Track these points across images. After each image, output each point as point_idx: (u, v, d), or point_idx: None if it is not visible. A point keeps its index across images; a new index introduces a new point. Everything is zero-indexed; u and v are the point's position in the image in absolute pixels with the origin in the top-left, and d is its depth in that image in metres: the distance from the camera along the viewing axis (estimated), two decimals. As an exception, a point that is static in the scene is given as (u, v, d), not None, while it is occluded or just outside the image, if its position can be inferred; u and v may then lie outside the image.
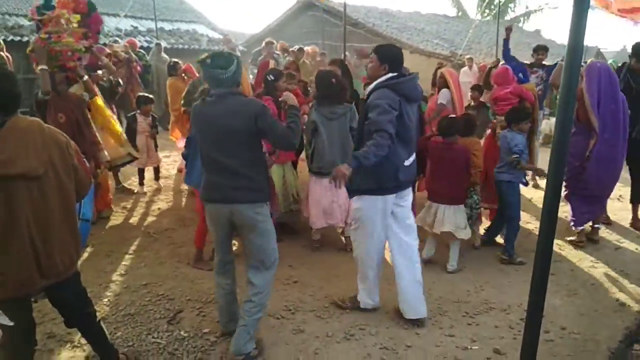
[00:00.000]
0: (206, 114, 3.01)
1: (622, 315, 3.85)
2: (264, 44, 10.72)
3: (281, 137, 3.06)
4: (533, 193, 6.95)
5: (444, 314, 3.79)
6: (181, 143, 6.63)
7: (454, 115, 5.14)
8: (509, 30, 7.33)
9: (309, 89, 6.48)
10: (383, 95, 3.31)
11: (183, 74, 7.58)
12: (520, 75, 6.43)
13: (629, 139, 5.16)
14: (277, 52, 11.04)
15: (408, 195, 3.66)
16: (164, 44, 12.76)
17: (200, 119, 3.05)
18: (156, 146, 6.79)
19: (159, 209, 6.18)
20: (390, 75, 3.44)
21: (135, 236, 5.24)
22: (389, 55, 3.50)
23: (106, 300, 3.91)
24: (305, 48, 10.98)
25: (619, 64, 10.89)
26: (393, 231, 3.62)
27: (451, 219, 4.50)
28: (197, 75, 7.06)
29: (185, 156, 4.45)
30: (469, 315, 3.79)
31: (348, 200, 4.46)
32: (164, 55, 11.24)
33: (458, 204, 4.56)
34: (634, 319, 3.82)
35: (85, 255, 4.68)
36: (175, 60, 7.84)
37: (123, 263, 4.59)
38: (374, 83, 3.48)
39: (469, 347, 3.37)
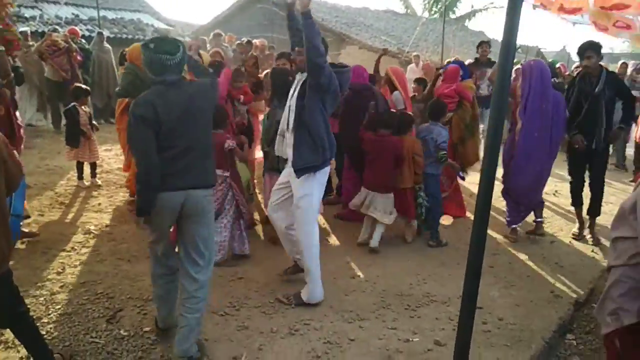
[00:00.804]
0: (166, 100, 2.81)
1: (556, 306, 4.01)
2: (211, 35, 10.58)
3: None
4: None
5: (387, 307, 3.84)
6: None
7: (393, 111, 5.45)
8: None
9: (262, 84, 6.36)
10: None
11: None
12: (465, 69, 6.56)
13: (590, 150, 5.24)
14: (225, 45, 10.91)
15: None
16: (106, 33, 12.35)
17: (158, 107, 2.79)
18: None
19: (99, 204, 5.98)
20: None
21: (74, 233, 5.05)
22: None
23: (42, 299, 3.75)
24: (254, 41, 10.88)
25: (558, 64, 11.38)
26: None
27: (378, 205, 4.85)
28: None
29: None
30: (411, 308, 3.86)
31: None
32: (106, 45, 10.88)
33: (386, 193, 4.87)
34: (567, 309, 3.99)
35: (20, 252, 4.47)
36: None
37: (60, 261, 4.41)
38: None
39: (411, 339, 3.43)
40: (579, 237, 5.53)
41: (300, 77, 3.76)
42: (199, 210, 2.97)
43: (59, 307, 3.65)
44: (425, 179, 5.10)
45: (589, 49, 5.04)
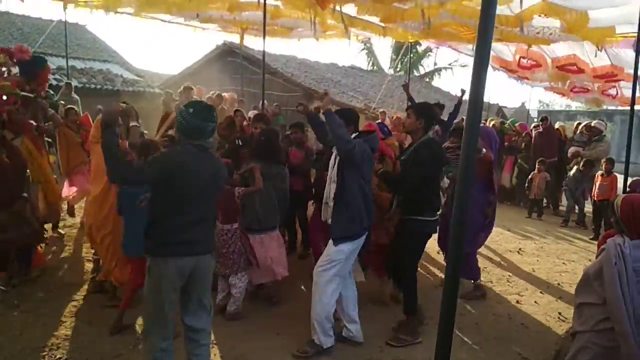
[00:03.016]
0: (190, 165, 2.89)
1: (523, 369, 4.02)
2: (182, 88, 10.60)
3: None
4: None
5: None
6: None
7: None
8: (406, 87, 8.40)
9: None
10: (360, 142, 3.89)
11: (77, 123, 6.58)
12: (385, 129, 6.40)
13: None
14: (195, 97, 10.96)
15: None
16: (74, 83, 12.30)
17: (183, 170, 2.88)
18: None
19: (60, 259, 5.78)
20: (355, 134, 4.06)
21: (33, 292, 4.84)
22: (350, 117, 4.17)
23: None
24: (224, 94, 10.98)
25: (517, 123, 11.80)
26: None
27: None
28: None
29: (119, 211, 4.19)
30: (381, 372, 3.81)
31: (282, 254, 4.87)
32: (74, 95, 10.81)
33: None
34: (534, 372, 4.00)
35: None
36: (71, 106, 6.99)
37: (16, 322, 4.21)
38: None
39: (381, 407, 3.37)
40: None
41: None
42: (205, 271, 3.12)
43: None
44: None
45: (409, 108, 4.68)
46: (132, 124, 4.57)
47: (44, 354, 3.75)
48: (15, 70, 6.11)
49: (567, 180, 9.59)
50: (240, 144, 4.84)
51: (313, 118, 4.19)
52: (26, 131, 5.33)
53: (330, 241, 3.93)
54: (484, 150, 5.09)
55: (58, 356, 3.72)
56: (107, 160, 2.91)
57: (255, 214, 4.67)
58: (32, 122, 5.56)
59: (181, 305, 3.17)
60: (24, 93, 5.14)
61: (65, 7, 8.21)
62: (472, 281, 5.50)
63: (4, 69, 5.28)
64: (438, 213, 4.55)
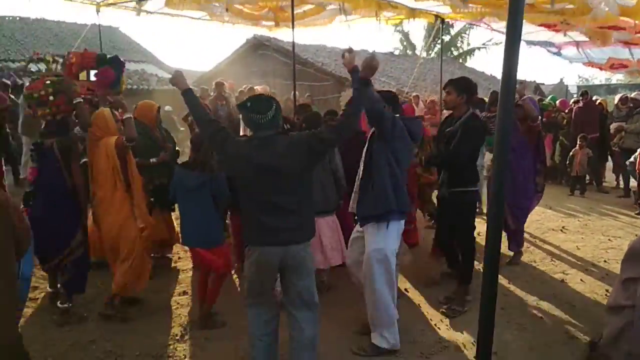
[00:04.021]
0: (253, 157, 2.96)
1: (571, 348, 3.95)
2: (213, 84, 10.75)
3: (338, 133, 3.14)
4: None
5: (399, 356, 3.78)
6: None
7: None
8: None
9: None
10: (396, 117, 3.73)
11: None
12: None
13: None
14: (228, 92, 11.08)
15: None
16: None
17: (245, 162, 2.99)
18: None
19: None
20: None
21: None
22: (389, 99, 3.84)
23: (51, 359, 3.73)
24: (256, 87, 11.06)
25: (557, 100, 11.48)
26: None
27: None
28: None
29: (172, 199, 4.38)
30: (424, 355, 3.80)
31: (336, 239, 4.84)
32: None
33: None
34: (582, 351, 3.91)
35: (28, 310, 4.45)
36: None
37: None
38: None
39: (426, 389, 3.38)
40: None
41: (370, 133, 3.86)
42: (297, 263, 3.07)
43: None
44: None
45: (448, 85, 4.51)
46: (126, 115, 4.29)
47: (95, 347, 3.89)
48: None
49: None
50: (289, 127, 4.83)
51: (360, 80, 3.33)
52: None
53: (357, 226, 3.86)
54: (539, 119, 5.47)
55: (109, 348, 3.86)
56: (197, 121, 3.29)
57: None
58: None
59: (284, 298, 3.22)
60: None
61: (97, 10, 8.36)
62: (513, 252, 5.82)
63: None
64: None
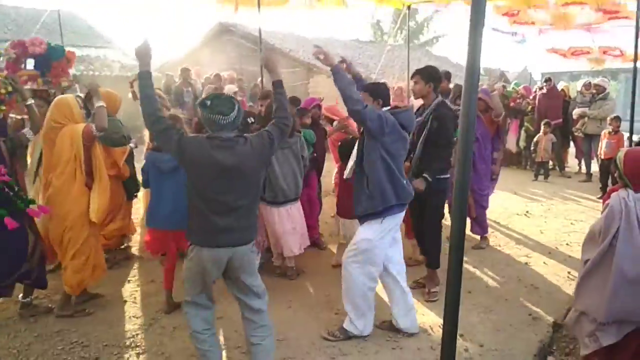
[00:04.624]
0: (214, 157, 2.86)
1: (535, 329, 4.05)
2: (179, 71, 10.58)
3: (285, 127, 3.19)
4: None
5: (368, 340, 3.82)
6: None
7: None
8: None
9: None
10: (385, 112, 3.61)
11: None
12: None
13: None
14: (194, 79, 10.92)
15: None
16: (73, 71, 12.24)
17: (206, 162, 2.88)
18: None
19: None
20: (385, 109, 3.70)
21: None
22: (379, 91, 3.77)
23: (14, 350, 3.64)
24: (222, 74, 10.92)
25: (520, 86, 11.66)
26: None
27: (348, 231, 4.88)
28: None
29: (145, 184, 4.34)
30: (392, 339, 3.85)
31: (304, 225, 4.98)
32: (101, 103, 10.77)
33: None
34: (546, 331, 4.03)
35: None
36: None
37: (33, 309, 4.27)
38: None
39: (394, 372, 3.43)
40: None
41: None
42: (243, 263, 3.04)
43: (32, 358, 3.56)
44: None
45: (416, 75, 4.46)
46: (98, 104, 4.11)
47: (60, 338, 3.82)
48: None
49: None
50: (252, 120, 4.79)
51: (337, 72, 3.55)
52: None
53: (357, 223, 3.84)
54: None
55: (74, 339, 3.79)
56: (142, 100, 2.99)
57: (279, 186, 4.74)
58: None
59: (231, 288, 3.19)
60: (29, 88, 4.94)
61: (58, -6, 8.12)
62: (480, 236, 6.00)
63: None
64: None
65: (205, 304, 3.14)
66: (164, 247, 4.27)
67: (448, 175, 4.54)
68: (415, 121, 3.89)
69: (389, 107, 3.75)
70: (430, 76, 4.37)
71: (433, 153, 4.38)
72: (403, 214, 3.81)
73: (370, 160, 3.60)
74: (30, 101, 4.14)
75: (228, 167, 2.88)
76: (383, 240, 3.69)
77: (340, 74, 3.52)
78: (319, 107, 6.13)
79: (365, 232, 3.67)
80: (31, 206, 3.80)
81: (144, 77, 3.00)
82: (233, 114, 2.90)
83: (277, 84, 3.29)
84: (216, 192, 2.91)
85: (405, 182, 3.73)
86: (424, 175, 4.32)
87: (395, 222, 3.75)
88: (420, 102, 4.69)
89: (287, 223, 4.87)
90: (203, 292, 3.10)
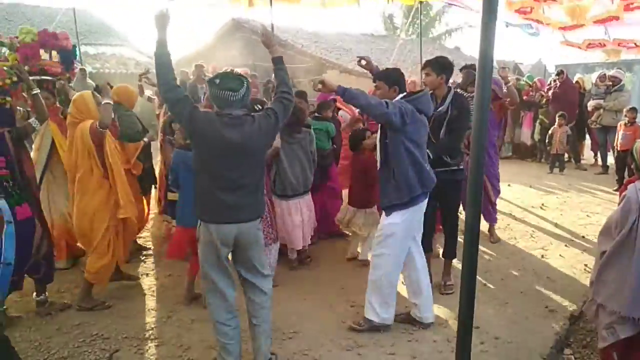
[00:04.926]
0: (224, 134, 2.91)
1: (551, 321, 4.04)
2: (193, 67, 10.63)
3: (288, 102, 3.22)
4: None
5: (384, 332, 3.84)
6: None
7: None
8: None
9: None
10: (401, 102, 3.60)
11: None
12: None
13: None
14: (209, 75, 10.96)
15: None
16: (89, 68, 12.36)
17: (215, 138, 2.92)
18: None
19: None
20: (401, 95, 3.73)
21: (63, 272, 4.96)
22: (395, 77, 3.82)
23: (37, 343, 3.71)
24: (236, 70, 10.94)
25: (535, 79, 11.54)
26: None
27: (358, 220, 5.08)
28: None
29: (174, 184, 4.31)
30: (408, 331, 3.86)
31: (313, 218, 5.07)
32: (89, 80, 10.87)
33: (368, 207, 5.11)
34: (562, 324, 4.02)
35: (11, 296, 4.39)
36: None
37: (52, 302, 4.35)
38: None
39: (410, 364, 3.44)
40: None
41: None
42: (250, 239, 3.10)
43: (54, 351, 3.61)
44: None
45: (427, 66, 4.44)
46: (105, 101, 4.19)
47: (79, 331, 3.88)
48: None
49: None
50: (260, 108, 4.80)
51: (342, 93, 3.50)
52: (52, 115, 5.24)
53: (384, 214, 3.82)
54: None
55: (94, 332, 3.85)
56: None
57: (288, 180, 4.82)
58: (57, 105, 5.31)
59: (239, 267, 3.23)
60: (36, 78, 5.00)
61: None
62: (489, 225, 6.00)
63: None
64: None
65: (225, 283, 3.16)
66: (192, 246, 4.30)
67: (462, 167, 4.55)
68: (431, 104, 3.89)
69: (404, 94, 3.76)
70: (442, 67, 4.34)
71: (445, 138, 4.40)
72: (427, 200, 3.82)
73: (395, 153, 3.61)
74: (36, 91, 4.19)
75: (235, 144, 2.93)
76: (408, 227, 3.72)
77: (347, 93, 3.45)
78: (335, 100, 6.16)
79: (391, 218, 3.70)
80: (18, 207, 3.83)
81: (161, 45, 3.02)
82: (242, 91, 2.95)
83: (277, 60, 3.31)
84: (223, 169, 2.96)
85: (428, 168, 3.76)
86: (427, 150, 4.15)
87: (420, 209, 3.78)
88: None
89: (296, 217, 4.94)
90: (220, 271, 3.13)
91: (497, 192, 5.94)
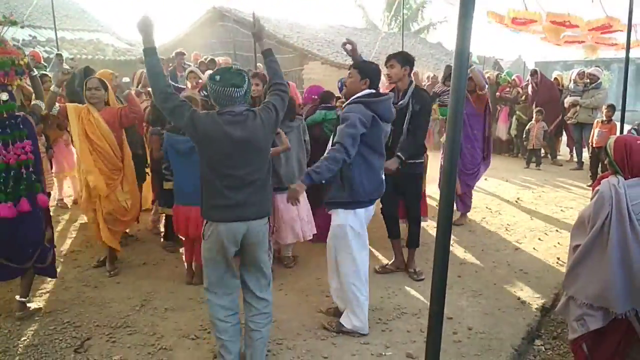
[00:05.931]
0: (229, 132, 2.85)
1: (523, 313, 4.10)
2: (173, 54, 10.50)
3: (284, 93, 3.19)
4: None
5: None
6: None
7: None
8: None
9: None
10: (357, 110, 3.47)
11: None
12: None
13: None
14: (189, 63, 10.84)
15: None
16: (65, 54, 12.14)
17: (222, 138, 2.85)
18: (51, 166, 6.22)
19: (63, 229, 5.85)
20: (368, 91, 3.60)
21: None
22: (370, 71, 3.67)
23: (6, 331, 3.66)
24: (217, 59, 10.85)
25: (513, 76, 11.66)
26: None
27: None
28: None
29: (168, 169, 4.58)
30: (382, 321, 3.89)
31: (310, 212, 4.95)
32: (66, 66, 10.68)
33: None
34: (534, 315, 4.08)
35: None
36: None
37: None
38: (352, 98, 3.62)
39: (384, 353, 3.47)
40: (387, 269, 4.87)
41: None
42: (257, 238, 3.04)
43: (24, 338, 3.57)
44: None
45: (392, 59, 4.46)
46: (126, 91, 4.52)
47: (51, 319, 3.84)
48: None
49: None
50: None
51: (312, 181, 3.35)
52: None
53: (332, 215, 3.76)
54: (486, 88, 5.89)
55: (65, 320, 3.81)
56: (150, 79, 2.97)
57: (286, 172, 4.70)
58: None
59: (243, 268, 3.19)
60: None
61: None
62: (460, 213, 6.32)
63: None
64: None
65: (228, 284, 3.13)
66: (191, 224, 4.28)
67: (422, 160, 4.70)
68: (393, 112, 3.74)
69: (369, 93, 3.62)
70: (405, 60, 4.42)
71: (410, 136, 4.45)
72: (372, 208, 3.76)
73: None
74: (35, 72, 4.16)
75: (241, 141, 2.88)
76: (360, 229, 3.64)
77: (314, 177, 3.29)
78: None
79: (340, 219, 3.61)
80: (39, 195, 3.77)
81: (149, 53, 2.93)
82: (245, 85, 2.91)
83: (267, 53, 3.29)
84: (230, 167, 2.90)
85: (382, 179, 3.70)
86: (398, 154, 4.35)
87: (362, 217, 3.65)
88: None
89: (291, 209, 4.79)
90: (226, 271, 3.09)
91: (467, 185, 6.14)
